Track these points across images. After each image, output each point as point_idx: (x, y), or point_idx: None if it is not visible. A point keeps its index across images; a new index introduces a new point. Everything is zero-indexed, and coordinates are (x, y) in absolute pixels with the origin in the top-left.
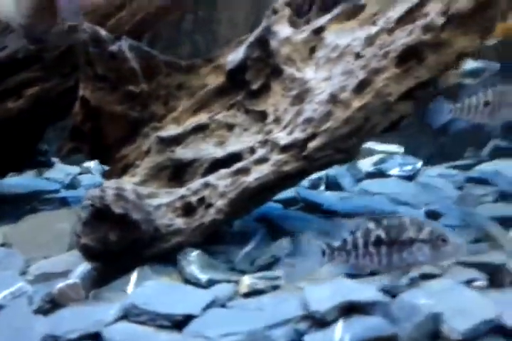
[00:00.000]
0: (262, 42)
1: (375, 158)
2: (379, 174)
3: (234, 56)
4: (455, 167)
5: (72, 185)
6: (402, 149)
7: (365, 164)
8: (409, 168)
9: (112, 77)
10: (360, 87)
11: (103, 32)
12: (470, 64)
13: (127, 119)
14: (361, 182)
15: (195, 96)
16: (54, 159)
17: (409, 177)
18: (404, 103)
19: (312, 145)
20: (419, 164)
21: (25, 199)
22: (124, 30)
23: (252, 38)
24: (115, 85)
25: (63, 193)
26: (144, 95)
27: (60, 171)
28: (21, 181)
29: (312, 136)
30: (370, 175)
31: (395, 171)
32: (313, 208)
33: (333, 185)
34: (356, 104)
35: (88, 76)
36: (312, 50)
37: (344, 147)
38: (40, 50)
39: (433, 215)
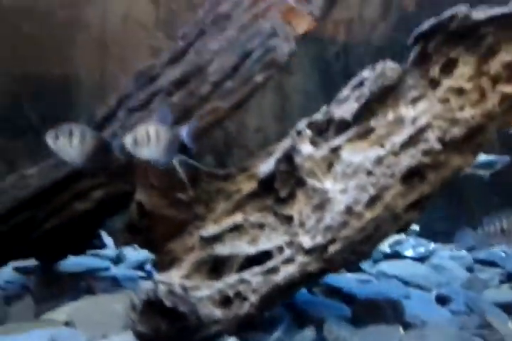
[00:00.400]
0: (288, 158)
1: (392, 238)
2: (395, 255)
3: (265, 168)
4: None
5: (119, 259)
6: (417, 227)
7: (384, 244)
8: (422, 249)
9: (164, 187)
10: (372, 201)
11: None
12: (483, 157)
13: (175, 220)
14: (379, 263)
15: (232, 200)
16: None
17: (423, 259)
18: (410, 213)
19: (332, 249)
20: (432, 246)
21: (81, 277)
22: None
23: (280, 154)
24: (166, 193)
25: (113, 270)
26: (190, 200)
27: (108, 246)
28: (75, 259)
29: (332, 241)
30: (388, 256)
31: (409, 253)
32: (334, 292)
33: (354, 266)
34: (368, 215)
35: (144, 185)
36: (330, 166)
37: (359, 251)
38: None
39: (443, 300)
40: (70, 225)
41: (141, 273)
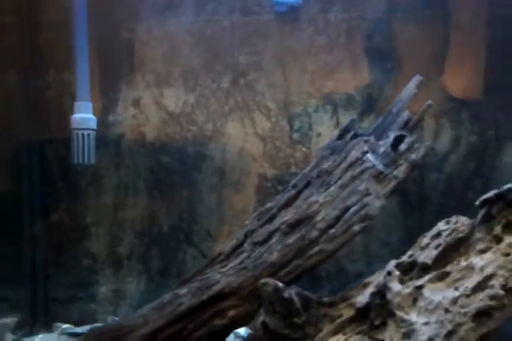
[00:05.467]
0: (381, 294)
1: None
2: None
3: (361, 299)
4: None
5: None
6: None
7: None
8: None
9: (283, 312)
10: (449, 335)
11: (280, 284)
12: None
13: (290, 337)
14: None
15: (335, 323)
16: None
17: None
18: None
19: None
20: None
21: None
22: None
23: (373, 289)
24: (285, 317)
25: None
26: (302, 323)
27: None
28: None
29: None
30: None
31: None
32: None
33: None
34: None
35: (268, 310)
36: (415, 301)
37: None
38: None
39: None
40: (209, 335)
41: None
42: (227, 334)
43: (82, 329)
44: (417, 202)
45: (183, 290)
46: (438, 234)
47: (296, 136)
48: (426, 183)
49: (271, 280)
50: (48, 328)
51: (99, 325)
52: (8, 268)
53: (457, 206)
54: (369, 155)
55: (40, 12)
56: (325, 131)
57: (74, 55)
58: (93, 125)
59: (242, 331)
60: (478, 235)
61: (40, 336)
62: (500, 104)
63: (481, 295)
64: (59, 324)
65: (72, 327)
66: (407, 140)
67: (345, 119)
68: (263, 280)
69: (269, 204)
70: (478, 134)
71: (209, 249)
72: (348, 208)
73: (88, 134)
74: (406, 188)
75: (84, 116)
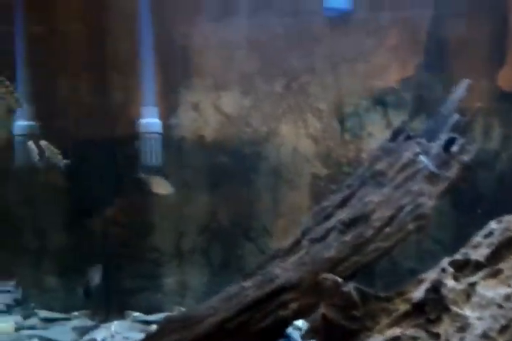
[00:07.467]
0: (436, 290)
1: None
2: None
3: (417, 294)
4: None
5: None
6: None
7: None
8: None
9: (342, 305)
10: (503, 330)
11: (340, 279)
12: None
13: (349, 329)
14: None
15: (391, 317)
16: None
17: None
18: None
19: None
20: None
21: None
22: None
23: (428, 285)
24: (344, 310)
25: None
26: (361, 316)
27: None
28: None
29: None
30: None
31: None
32: None
33: None
34: (500, 340)
35: (328, 303)
36: (469, 297)
37: None
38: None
39: None
40: (275, 325)
41: None
42: (288, 325)
43: (152, 317)
44: (468, 200)
45: (248, 283)
46: (490, 233)
47: (347, 136)
48: (479, 182)
49: (330, 276)
50: (121, 316)
51: (169, 314)
52: (80, 261)
53: (509, 203)
54: (422, 157)
55: (104, 18)
56: (376, 131)
57: (139, 61)
58: (159, 129)
59: (300, 323)
60: None
61: (115, 322)
62: None
63: None
64: (130, 312)
65: (143, 315)
66: (459, 142)
67: (395, 119)
68: (323, 275)
69: (324, 204)
70: None
71: (265, 244)
72: (402, 208)
73: (156, 138)
74: (461, 188)
75: (151, 120)
